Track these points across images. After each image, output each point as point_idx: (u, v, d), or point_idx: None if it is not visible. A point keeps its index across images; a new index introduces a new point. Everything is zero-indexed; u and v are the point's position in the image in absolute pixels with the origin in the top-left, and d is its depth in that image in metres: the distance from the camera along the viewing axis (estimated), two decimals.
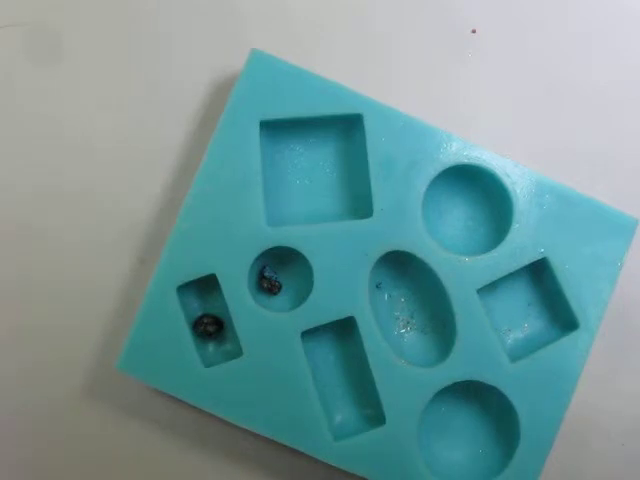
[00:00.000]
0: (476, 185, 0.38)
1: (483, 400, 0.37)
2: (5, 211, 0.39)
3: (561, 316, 0.37)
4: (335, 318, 0.36)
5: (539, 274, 0.38)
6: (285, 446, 0.35)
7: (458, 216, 0.39)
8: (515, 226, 0.36)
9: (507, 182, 0.37)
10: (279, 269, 0.38)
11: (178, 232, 0.36)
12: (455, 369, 0.36)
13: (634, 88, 0.41)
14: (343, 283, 0.36)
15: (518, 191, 0.37)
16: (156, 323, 0.35)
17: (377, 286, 0.38)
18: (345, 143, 0.38)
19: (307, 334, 0.36)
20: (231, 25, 0.40)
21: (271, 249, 0.36)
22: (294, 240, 0.36)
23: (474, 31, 0.41)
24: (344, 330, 0.37)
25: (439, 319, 0.38)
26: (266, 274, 0.37)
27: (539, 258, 0.36)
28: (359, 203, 0.37)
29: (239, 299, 0.35)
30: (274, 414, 0.35)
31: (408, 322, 0.38)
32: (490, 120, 0.40)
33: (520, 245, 0.36)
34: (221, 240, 0.36)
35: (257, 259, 0.36)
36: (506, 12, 0.41)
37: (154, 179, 0.39)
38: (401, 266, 0.38)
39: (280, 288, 0.38)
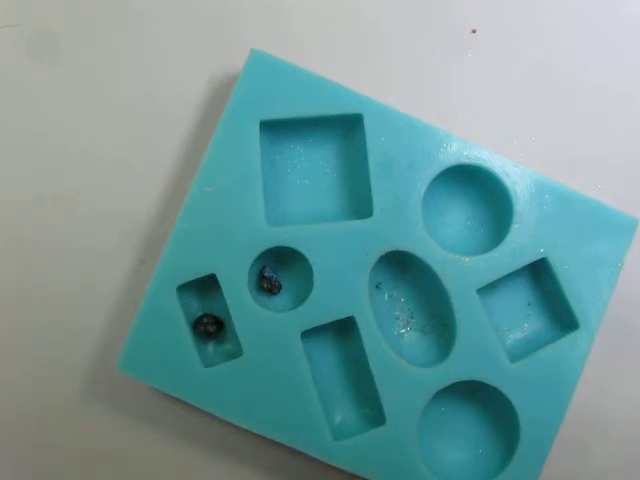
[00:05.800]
0: (476, 185, 0.38)
1: (483, 400, 0.37)
2: (5, 211, 0.39)
3: (561, 316, 0.37)
4: (335, 318, 0.36)
5: (539, 274, 0.38)
6: (285, 446, 0.35)
7: (458, 216, 0.39)
8: (515, 226, 0.36)
9: (507, 182, 0.37)
10: (279, 269, 0.38)
11: (178, 232, 0.36)
12: (455, 369, 0.36)
13: (634, 88, 0.41)
14: (343, 283, 0.36)
15: (518, 191, 0.37)
16: (156, 323, 0.35)
17: (377, 286, 0.38)
18: (345, 143, 0.38)
19: (307, 334, 0.36)
20: (231, 25, 0.40)
21: (271, 249, 0.36)
22: (294, 240, 0.36)
23: (474, 31, 0.41)
24: (344, 330, 0.37)
25: (439, 319, 0.38)
26: (266, 274, 0.37)
27: (539, 258, 0.36)
28: (359, 203, 0.37)
29: (239, 299, 0.35)
30: (274, 414, 0.35)
31: (408, 322, 0.38)
32: (490, 120, 0.40)
33: (520, 245, 0.36)
34: (221, 240, 0.36)
35: (257, 259, 0.36)
36: (506, 12, 0.41)
37: (154, 179, 0.39)
38: (401, 266, 0.38)
39: (280, 288, 0.38)
